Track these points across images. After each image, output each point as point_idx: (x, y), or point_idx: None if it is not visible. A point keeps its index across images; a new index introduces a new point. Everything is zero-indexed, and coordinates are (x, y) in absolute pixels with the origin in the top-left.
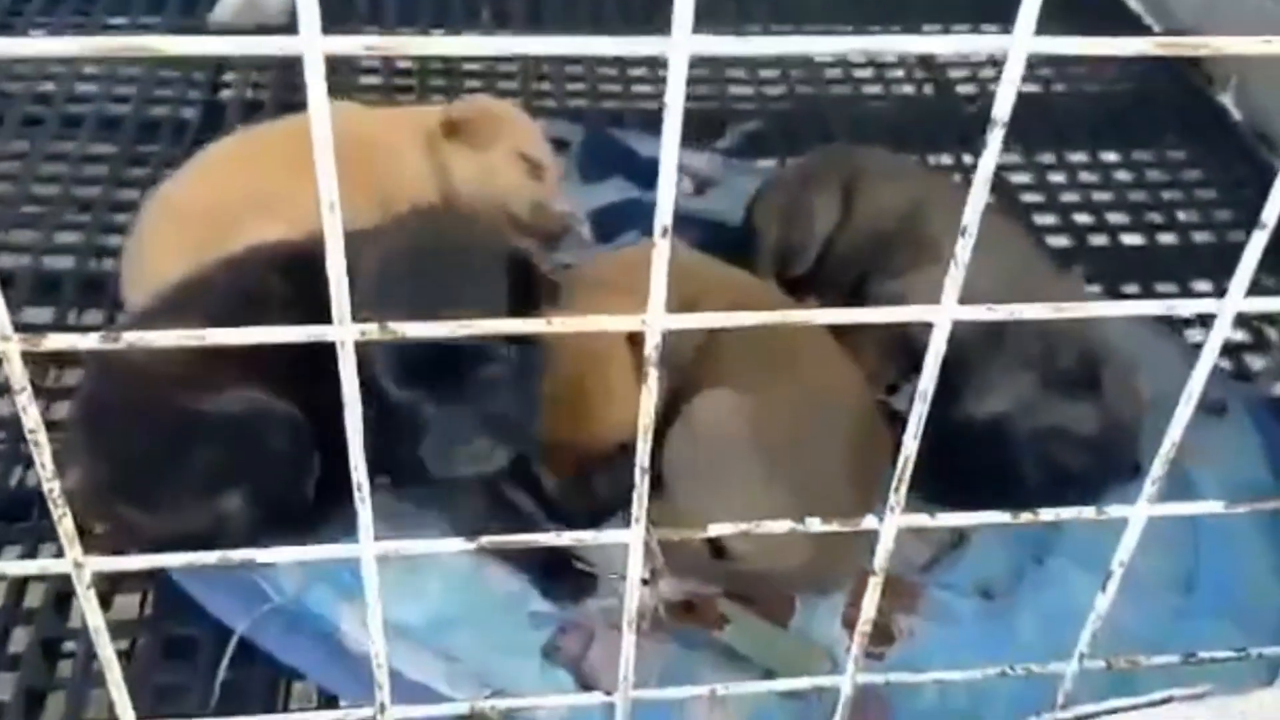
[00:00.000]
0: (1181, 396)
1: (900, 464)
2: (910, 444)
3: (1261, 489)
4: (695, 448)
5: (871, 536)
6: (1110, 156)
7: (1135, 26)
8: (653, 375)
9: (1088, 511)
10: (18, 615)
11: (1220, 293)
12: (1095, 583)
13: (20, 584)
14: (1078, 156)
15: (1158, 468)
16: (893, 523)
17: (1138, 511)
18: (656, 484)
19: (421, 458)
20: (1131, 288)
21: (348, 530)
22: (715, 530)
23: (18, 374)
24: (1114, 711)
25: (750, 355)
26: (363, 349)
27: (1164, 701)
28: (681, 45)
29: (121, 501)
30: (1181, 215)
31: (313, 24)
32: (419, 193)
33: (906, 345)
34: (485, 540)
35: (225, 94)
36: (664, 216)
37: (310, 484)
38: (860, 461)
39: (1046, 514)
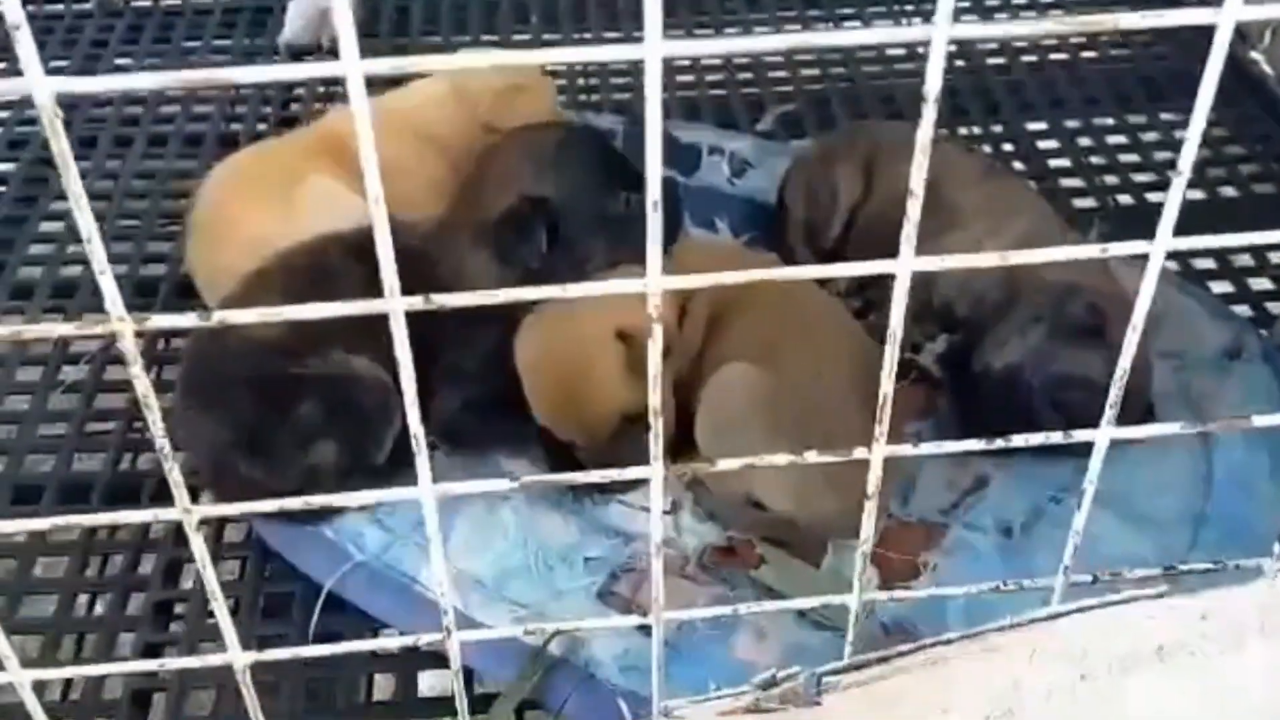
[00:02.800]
0: (1132, 322)
1: (880, 401)
2: (887, 384)
3: (1273, 429)
4: (719, 418)
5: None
6: (1137, 119)
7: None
8: (657, 330)
9: (1055, 436)
10: (132, 582)
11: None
12: (1109, 518)
13: (135, 555)
14: (1105, 120)
15: (1114, 391)
16: (879, 451)
17: (1101, 434)
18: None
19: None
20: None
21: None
22: (723, 465)
23: (130, 350)
24: (1082, 610)
25: (758, 331)
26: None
27: (1128, 600)
28: (655, 49)
29: (233, 459)
30: (1210, 172)
31: (353, 50)
32: None
33: (930, 306)
34: (526, 479)
35: (295, 107)
36: (653, 193)
37: (392, 434)
38: (871, 416)
39: (1017, 440)
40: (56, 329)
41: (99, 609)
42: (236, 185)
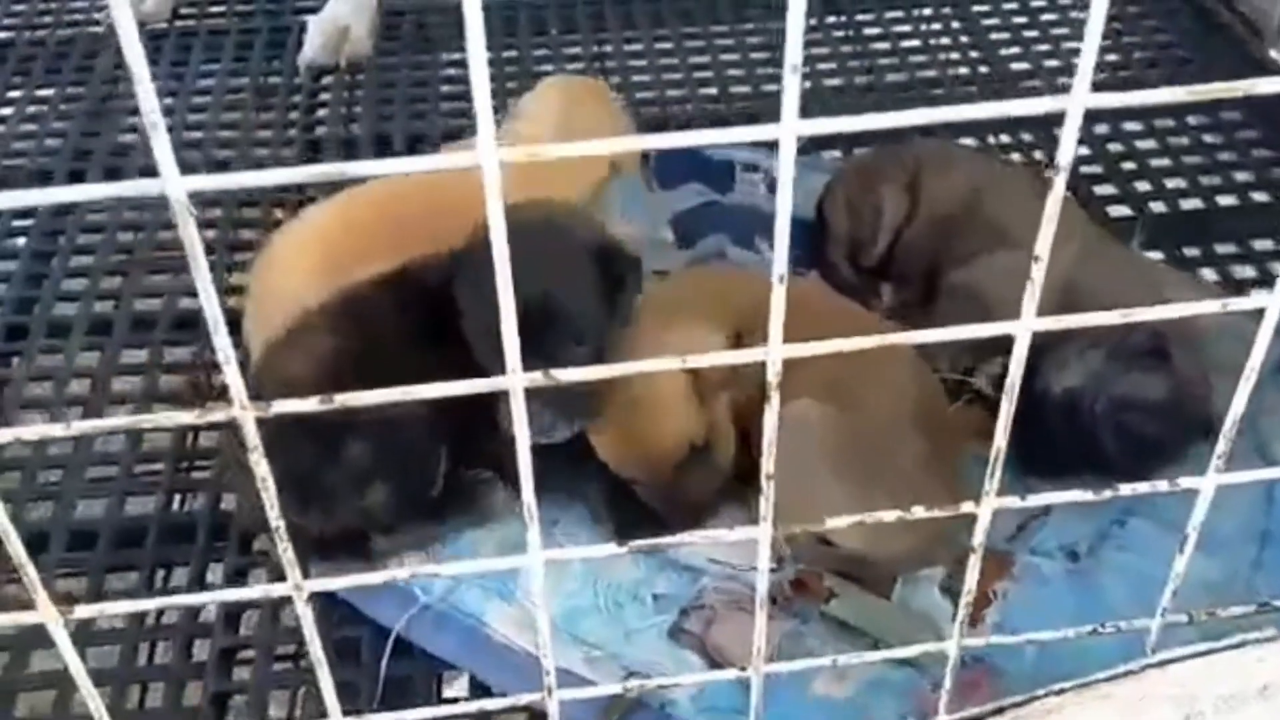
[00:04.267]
0: (1244, 372)
1: (993, 455)
2: (1000, 438)
3: None
4: (785, 459)
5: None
6: (1166, 123)
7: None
8: (775, 397)
9: (1161, 485)
10: (194, 629)
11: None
12: (1173, 541)
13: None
14: (1133, 126)
15: (1222, 442)
16: (989, 505)
17: (1207, 482)
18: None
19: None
20: (1192, 251)
21: (469, 517)
22: (832, 524)
23: (251, 436)
24: (1196, 656)
25: (819, 362)
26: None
27: (1238, 645)
28: (790, 129)
29: (288, 504)
30: (1239, 176)
31: (489, 141)
32: None
33: None
34: (634, 544)
35: (320, 130)
36: (780, 267)
37: (440, 472)
38: (936, 450)
39: (1125, 489)
40: (179, 417)
41: (161, 657)
42: (301, 257)
